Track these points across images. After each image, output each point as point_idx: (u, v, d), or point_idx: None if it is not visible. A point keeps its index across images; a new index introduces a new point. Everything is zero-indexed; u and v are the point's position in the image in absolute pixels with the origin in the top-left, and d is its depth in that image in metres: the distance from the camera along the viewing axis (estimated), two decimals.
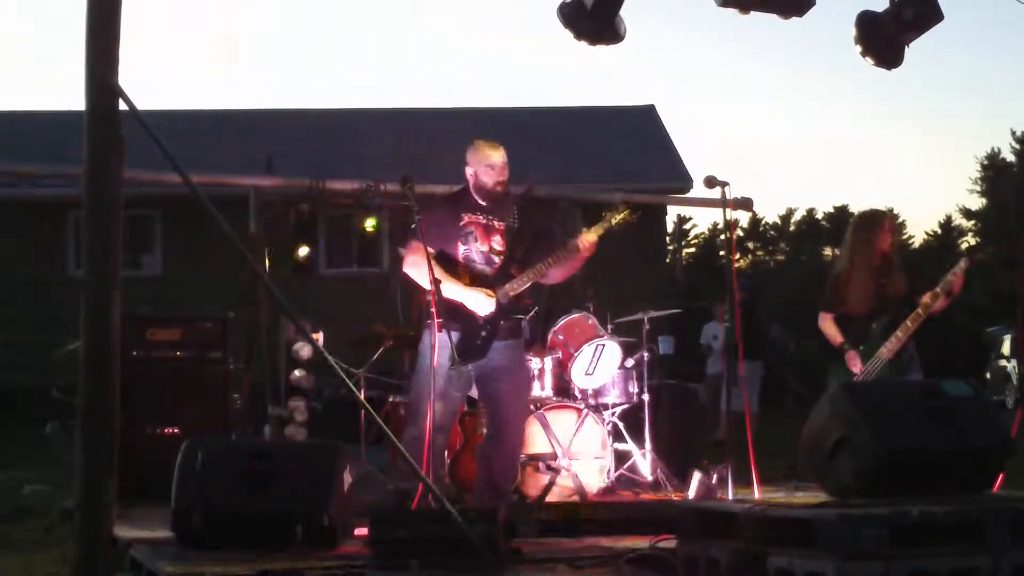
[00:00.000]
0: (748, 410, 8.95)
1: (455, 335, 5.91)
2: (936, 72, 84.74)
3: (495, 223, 6.25)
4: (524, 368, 6.44)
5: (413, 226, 6.04)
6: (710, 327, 13.88)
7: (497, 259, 6.24)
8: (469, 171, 6.26)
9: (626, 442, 7.79)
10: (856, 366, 6.99)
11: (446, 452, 7.11)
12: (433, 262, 5.90)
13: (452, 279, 6.05)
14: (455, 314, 5.98)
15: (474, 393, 6.61)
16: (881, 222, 7.25)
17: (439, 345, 5.92)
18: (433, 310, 5.86)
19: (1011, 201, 35.53)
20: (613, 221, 6.35)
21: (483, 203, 6.23)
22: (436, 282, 5.81)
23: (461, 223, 6.19)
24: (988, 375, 23.09)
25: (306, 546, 5.30)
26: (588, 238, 6.17)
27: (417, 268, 6.08)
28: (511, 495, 6.54)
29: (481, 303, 6.07)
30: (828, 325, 7.21)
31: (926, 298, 6.88)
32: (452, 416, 6.42)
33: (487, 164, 6.20)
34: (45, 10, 76.20)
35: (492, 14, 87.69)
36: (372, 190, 8.81)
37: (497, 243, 6.24)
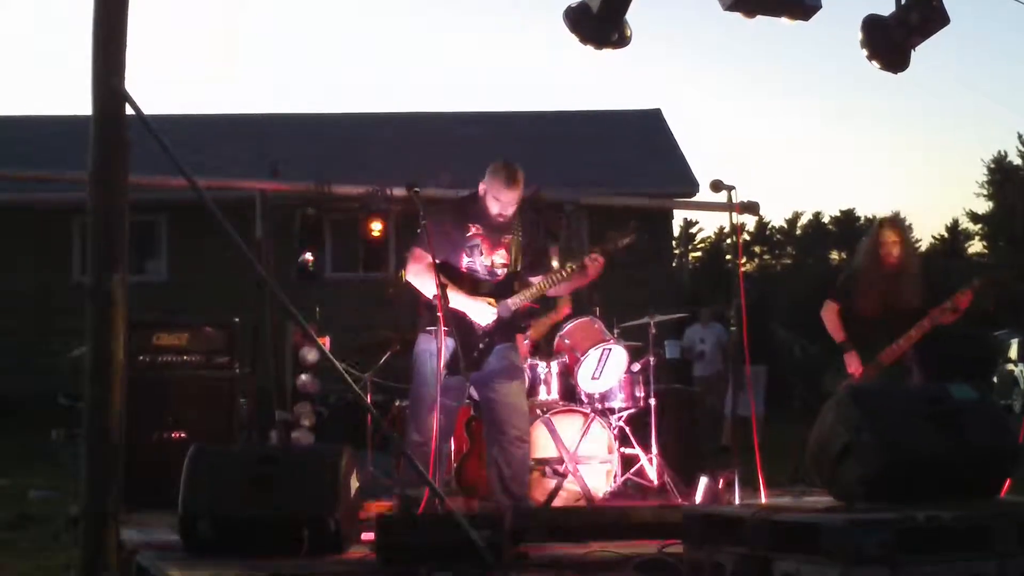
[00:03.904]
0: (754, 414, 8.87)
1: (451, 344, 5.91)
2: (942, 75, 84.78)
3: (501, 236, 6.23)
4: (518, 369, 6.36)
5: (419, 231, 6.02)
6: (693, 331, 13.85)
7: (501, 272, 6.22)
8: (483, 188, 6.21)
9: (632, 447, 7.77)
10: (854, 367, 6.99)
11: (452, 457, 7.13)
12: (436, 272, 5.91)
13: (455, 289, 6.01)
14: (455, 324, 5.93)
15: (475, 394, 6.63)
16: (896, 230, 7.14)
17: (437, 351, 5.93)
18: (440, 314, 5.83)
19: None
20: (621, 244, 6.34)
21: (491, 215, 6.19)
22: (442, 286, 5.79)
23: (468, 234, 6.16)
24: (995, 379, 23.03)
25: (313, 551, 5.30)
26: (598, 259, 6.17)
27: (420, 277, 6.07)
28: (528, 499, 6.50)
29: (483, 313, 6.05)
30: (832, 316, 7.19)
31: (934, 312, 6.89)
32: (452, 422, 6.42)
33: (495, 196, 6.14)
34: (47, 13, 76.41)
35: (497, 18, 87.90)
36: (378, 194, 8.80)
37: (501, 256, 6.22)
